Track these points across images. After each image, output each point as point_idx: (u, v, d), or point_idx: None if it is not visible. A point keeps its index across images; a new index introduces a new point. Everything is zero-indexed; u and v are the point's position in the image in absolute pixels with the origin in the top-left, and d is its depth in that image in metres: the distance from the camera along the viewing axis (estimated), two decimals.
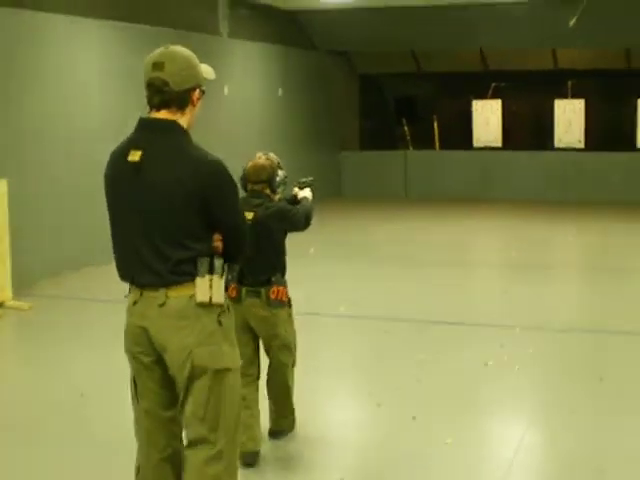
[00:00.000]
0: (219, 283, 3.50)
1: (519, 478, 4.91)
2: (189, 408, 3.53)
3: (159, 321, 3.50)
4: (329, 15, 16.79)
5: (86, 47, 11.15)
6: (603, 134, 18.21)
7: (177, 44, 3.59)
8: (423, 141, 19.66)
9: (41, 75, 10.31)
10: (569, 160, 17.87)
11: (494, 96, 18.69)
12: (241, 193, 4.85)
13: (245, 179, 5.14)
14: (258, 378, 5.19)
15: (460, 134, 19.02)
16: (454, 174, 18.44)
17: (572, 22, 14.30)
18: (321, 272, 10.41)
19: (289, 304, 5.15)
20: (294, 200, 5.33)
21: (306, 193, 5.37)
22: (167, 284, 3.48)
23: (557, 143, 18.15)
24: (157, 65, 3.51)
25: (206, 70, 3.67)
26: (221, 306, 3.52)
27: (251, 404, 5.03)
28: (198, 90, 3.60)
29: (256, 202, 5.05)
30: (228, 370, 3.53)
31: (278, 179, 5.10)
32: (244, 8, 14.64)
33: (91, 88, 11.21)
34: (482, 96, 18.72)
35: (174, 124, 3.53)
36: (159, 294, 3.49)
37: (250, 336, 5.11)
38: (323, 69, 18.21)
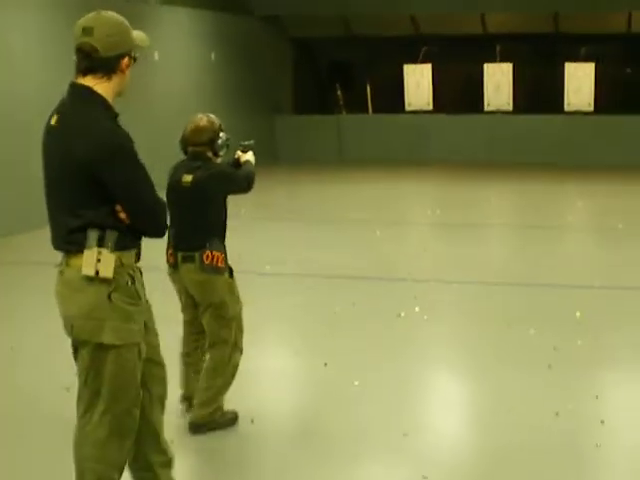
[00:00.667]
0: (108, 257, 3.41)
1: (423, 414, 5.21)
2: (78, 377, 3.58)
3: (59, 289, 3.54)
4: None
5: (14, 12, 11.17)
6: (531, 97, 18.59)
7: (107, 10, 3.53)
8: (356, 105, 19.90)
9: None
10: (498, 122, 18.28)
11: (424, 60, 18.96)
12: (181, 156, 4.97)
13: (185, 141, 4.97)
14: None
15: (392, 98, 19.26)
16: (387, 137, 18.71)
17: None
18: (252, 233, 10.62)
19: (230, 274, 4.92)
20: (236, 163, 5.21)
21: (248, 156, 5.24)
22: (66, 252, 3.50)
23: (486, 106, 18.55)
24: (86, 30, 3.45)
25: (139, 37, 3.60)
26: (110, 282, 3.43)
27: (198, 368, 4.99)
28: (128, 57, 3.53)
29: (196, 164, 4.89)
30: (112, 346, 3.46)
31: (220, 141, 4.95)
32: None
33: (18, 54, 11.23)
34: (413, 60, 19.00)
35: (89, 91, 3.48)
36: (62, 262, 3.53)
37: (192, 302, 4.99)
38: (256, 34, 18.28)
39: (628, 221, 11.58)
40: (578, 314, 7.01)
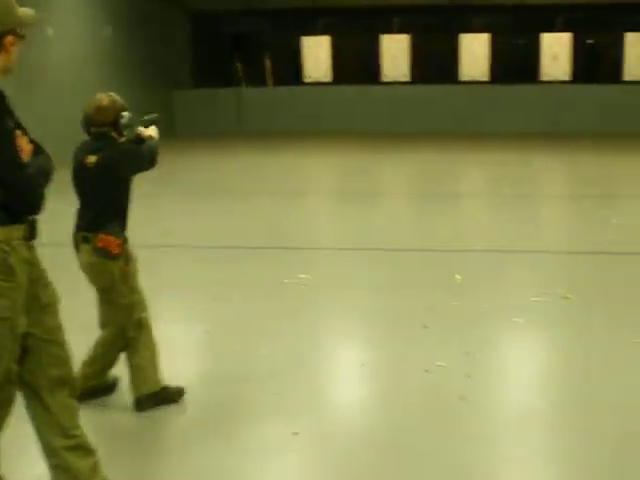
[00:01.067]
0: None
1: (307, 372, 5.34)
2: None
3: None
4: None
5: None
6: (428, 68, 18.87)
7: None
8: (257, 78, 19.91)
9: None
10: (396, 93, 18.52)
11: (323, 32, 19.06)
12: (84, 136, 4.81)
13: (87, 122, 4.81)
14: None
15: (292, 70, 19.33)
16: (286, 110, 18.78)
17: None
18: (150, 208, 10.57)
19: (125, 262, 4.79)
20: (139, 139, 5.10)
21: (151, 131, 5.13)
22: None
23: (383, 77, 18.78)
24: None
25: (25, 14, 3.54)
26: None
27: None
28: (12, 35, 3.47)
29: (99, 145, 4.77)
30: None
31: (123, 121, 4.83)
32: None
33: None
34: (312, 32, 19.08)
35: None
36: None
37: None
38: (153, 8, 18.13)
39: (515, 187, 11.91)
40: (458, 277, 7.22)
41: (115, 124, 4.80)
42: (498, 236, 9.02)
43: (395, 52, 18.55)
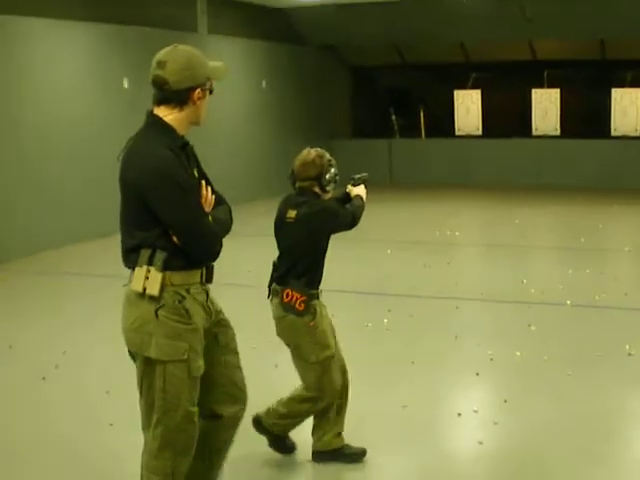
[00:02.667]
0: (156, 275, 3.57)
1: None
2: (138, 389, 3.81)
3: (123, 302, 3.76)
4: (316, 10, 17.67)
5: (63, 48, 12.14)
6: (579, 122, 18.93)
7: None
8: (411, 130, 20.49)
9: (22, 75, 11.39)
10: (546, 146, 18.67)
11: (474, 86, 19.49)
12: (289, 190, 4.93)
13: (293, 176, 4.86)
14: None
15: (444, 123, 19.81)
16: (437, 161, 19.25)
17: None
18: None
19: (312, 317, 4.73)
20: (346, 198, 5.09)
21: (359, 190, 5.11)
22: (129, 268, 3.70)
23: (534, 131, 18.98)
24: (160, 64, 3.64)
25: (215, 69, 3.78)
26: (157, 299, 3.59)
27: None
28: (199, 90, 3.67)
29: (300, 200, 4.80)
30: (160, 361, 3.62)
31: (328, 176, 4.79)
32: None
33: (70, 87, 12.23)
34: (463, 86, 19.56)
35: (156, 120, 3.68)
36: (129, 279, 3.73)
37: None
38: (310, 62, 19.05)
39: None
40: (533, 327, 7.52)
41: (319, 180, 4.79)
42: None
43: (546, 106, 18.72)
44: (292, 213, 4.77)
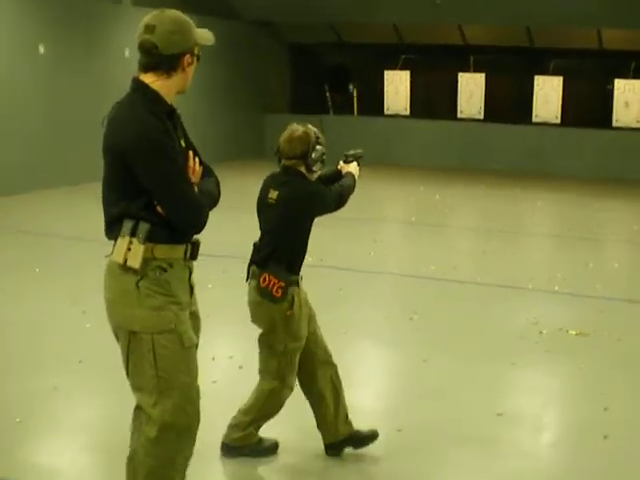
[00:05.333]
0: (138, 247, 3.43)
1: None
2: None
3: (105, 274, 3.62)
4: None
5: None
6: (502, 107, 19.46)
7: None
8: (345, 107, 20.92)
9: None
10: (470, 129, 19.20)
11: (403, 67, 19.95)
12: (275, 168, 4.67)
13: (279, 153, 4.59)
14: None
15: (374, 102, 20.26)
16: (366, 139, 19.66)
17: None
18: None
19: (289, 306, 4.47)
20: (337, 175, 4.84)
21: (351, 168, 4.85)
22: (112, 239, 3.55)
23: (459, 114, 19.50)
24: (148, 27, 3.48)
25: (203, 35, 3.61)
26: (138, 271, 3.45)
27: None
28: (189, 55, 3.54)
29: (283, 179, 4.55)
30: (144, 333, 3.46)
31: (314, 155, 4.50)
32: None
33: None
34: (393, 67, 20.02)
35: (142, 86, 3.53)
36: (111, 249, 3.58)
37: None
38: (245, 36, 19.38)
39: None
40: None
41: (305, 158, 4.51)
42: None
43: (472, 89, 19.23)
44: (274, 194, 4.52)
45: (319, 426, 4.80)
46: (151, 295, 3.46)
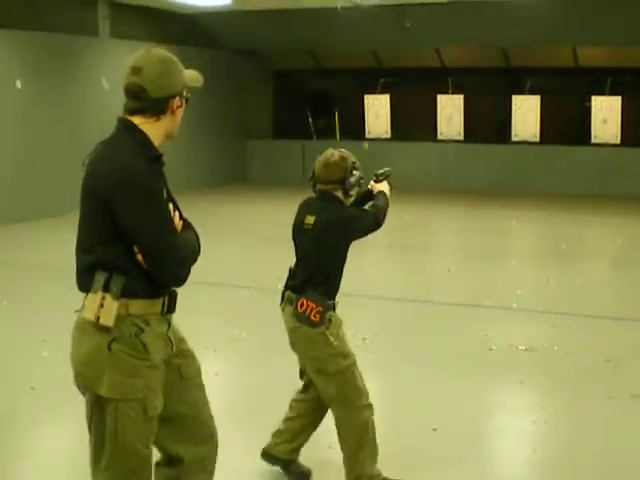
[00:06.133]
0: (111, 304, 3.16)
1: None
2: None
3: (73, 329, 3.36)
4: (225, 16, 18.25)
5: None
6: (482, 127, 19.68)
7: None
8: (328, 132, 21.16)
9: None
10: (450, 150, 19.43)
11: (383, 91, 20.19)
12: (310, 193, 4.64)
13: (314, 179, 4.55)
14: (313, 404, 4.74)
15: (356, 126, 20.48)
16: None
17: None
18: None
19: (327, 326, 4.42)
20: (369, 195, 4.80)
21: (383, 186, 4.80)
22: (83, 291, 3.30)
23: (439, 136, 19.72)
24: (135, 70, 3.27)
25: (191, 76, 3.43)
26: (111, 330, 3.18)
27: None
28: (178, 98, 3.34)
29: (320, 205, 4.50)
30: (112, 400, 3.21)
31: (352, 180, 4.48)
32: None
33: None
34: (373, 91, 20.28)
35: (130, 126, 3.31)
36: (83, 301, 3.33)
37: None
38: (227, 65, 19.65)
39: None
40: None
41: (342, 183, 4.48)
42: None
43: (450, 111, 19.45)
44: (310, 219, 4.47)
45: (276, 434, 4.83)
46: (124, 358, 3.20)
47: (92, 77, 15.28)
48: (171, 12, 17.34)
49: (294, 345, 4.56)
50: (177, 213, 3.38)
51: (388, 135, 20.11)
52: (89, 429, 3.31)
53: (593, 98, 18.65)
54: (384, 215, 4.67)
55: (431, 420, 5.86)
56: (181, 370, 3.46)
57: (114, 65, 15.93)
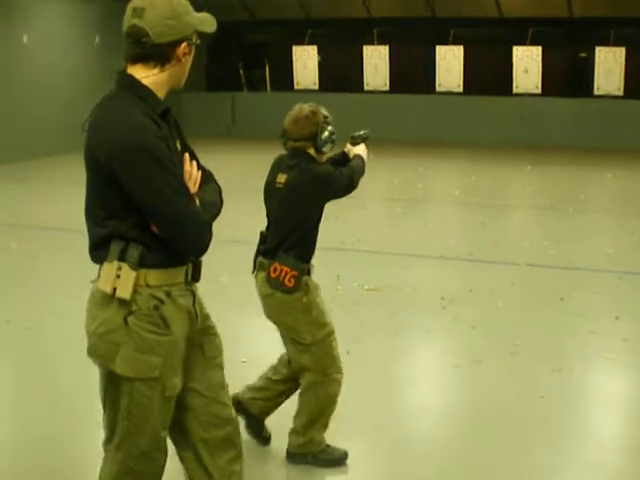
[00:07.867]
0: (128, 274, 2.91)
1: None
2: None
3: (88, 300, 3.11)
4: None
5: None
6: (407, 78, 19.88)
7: None
8: (259, 84, 21.32)
9: None
10: (376, 101, 19.63)
11: (311, 42, 20.34)
12: (281, 151, 4.39)
13: (285, 135, 4.29)
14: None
15: (287, 77, 20.64)
16: (279, 115, 20.04)
17: None
18: None
19: (304, 293, 4.19)
20: (345, 158, 4.58)
21: (359, 150, 4.58)
22: (97, 263, 3.04)
23: (366, 86, 19.93)
24: (136, 11, 2.92)
25: (203, 20, 3.06)
26: (128, 303, 2.94)
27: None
28: (185, 44, 2.99)
29: (292, 163, 4.23)
30: (127, 378, 3.00)
31: (324, 136, 4.21)
32: None
33: None
34: (301, 42, 20.41)
35: (130, 80, 2.98)
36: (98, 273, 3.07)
37: None
38: None
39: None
40: None
41: (314, 139, 4.22)
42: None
43: (376, 62, 19.64)
44: (282, 178, 4.22)
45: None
46: (140, 334, 2.96)
47: (12, 31, 14.86)
48: None
49: (270, 314, 4.33)
50: (194, 163, 3.08)
51: (316, 87, 20.27)
52: (103, 405, 3.11)
53: (514, 48, 18.85)
54: (359, 177, 4.41)
55: (240, 354, 6.06)
56: (204, 347, 3.23)
57: (36, 17, 15.91)
